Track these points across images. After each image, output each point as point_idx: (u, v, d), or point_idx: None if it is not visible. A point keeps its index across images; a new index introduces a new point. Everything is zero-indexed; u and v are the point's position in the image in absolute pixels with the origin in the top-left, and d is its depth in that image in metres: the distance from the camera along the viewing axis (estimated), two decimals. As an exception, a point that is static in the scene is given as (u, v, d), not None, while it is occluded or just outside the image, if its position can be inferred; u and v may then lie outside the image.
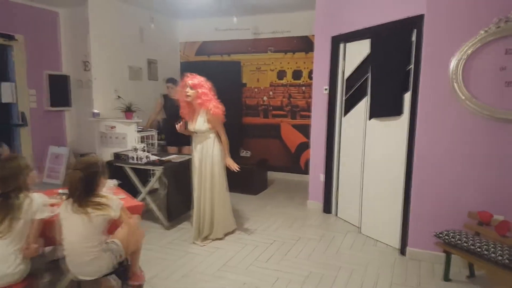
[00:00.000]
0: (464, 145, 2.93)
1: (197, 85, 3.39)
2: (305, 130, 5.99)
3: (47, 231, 2.21)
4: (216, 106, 3.43)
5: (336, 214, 4.35)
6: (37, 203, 2.11)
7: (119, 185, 3.05)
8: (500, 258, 2.36)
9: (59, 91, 5.86)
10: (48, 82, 5.71)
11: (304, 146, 6.05)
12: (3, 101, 5.30)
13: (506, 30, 2.71)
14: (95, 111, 5.19)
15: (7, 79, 5.39)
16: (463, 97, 2.88)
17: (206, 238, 3.53)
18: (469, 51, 2.84)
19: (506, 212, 2.72)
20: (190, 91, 3.39)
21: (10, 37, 5.17)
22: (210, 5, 5.36)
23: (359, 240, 3.62)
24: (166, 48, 6.48)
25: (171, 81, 5.11)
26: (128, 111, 4.86)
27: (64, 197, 2.82)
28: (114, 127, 4.94)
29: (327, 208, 4.43)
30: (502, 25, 2.72)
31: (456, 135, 2.96)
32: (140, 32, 5.87)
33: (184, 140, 5.14)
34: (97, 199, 2.10)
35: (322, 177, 4.44)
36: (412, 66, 3.18)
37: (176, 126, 3.55)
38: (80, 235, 2.05)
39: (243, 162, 5.75)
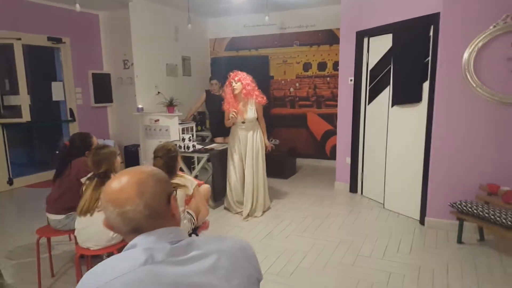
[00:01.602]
0: (475, 127, 3.34)
1: (241, 78, 3.92)
2: (330, 118, 6.42)
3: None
4: (259, 95, 3.95)
5: (362, 193, 4.81)
6: None
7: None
8: (504, 221, 2.79)
9: (102, 88, 6.41)
10: (92, 80, 6.31)
11: (329, 134, 6.48)
12: (54, 99, 5.93)
13: (513, 25, 3.08)
14: (139, 106, 5.77)
15: (56, 78, 6.03)
16: (475, 85, 3.27)
17: (249, 215, 4.09)
18: (480, 44, 3.22)
19: (511, 184, 3.14)
20: (235, 84, 3.91)
21: (58, 40, 5.75)
22: (240, 4, 5.81)
23: (383, 214, 4.08)
24: (197, 45, 6.99)
25: (215, 78, 5.63)
26: (170, 105, 5.42)
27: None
28: (158, 120, 5.50)
29: (353, 188, 4.89)
30: (509, 21, 3.09)
31: (468, 118, 3.36)
32: (175, 31, 6.39)
33: (228, 131, 5.70)
34: (177, 180, 2.62)
35: (348, 160, 4.90)
36: (429, 58, 3.58)
37: (231, 117, 3.99)
38: None
39: (273, 149, 6.27)
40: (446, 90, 3.45)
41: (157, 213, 0.92)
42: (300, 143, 6.71)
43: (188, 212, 2.76)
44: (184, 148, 4.40)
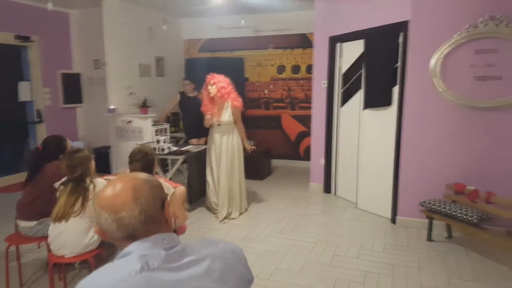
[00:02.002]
0: (442, 129, 3.53)
1: (216, 82, 3.91)
2: (303, 120, 6.54)
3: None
4: (235, 99, 3.97)
5: (335, 194, 4.94)
6: (102, 186, 2.59)
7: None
8: (470, 218, 2.97)
9: (72, 88, 6.23)
10: (62, 81, 6.10)
11: (303, 135, 6.60)
12: (21, 99, 5.68)
13: (475, 34, 3.29)
14: (111, 107, 5.61)
15: (24, 78, 5.77)
16: (441, 90, 3.45)
17: (226, 217, 4.09)
18: (446, 51, 3.41)
19: (476, 183, 3.33)
20: (211, 88, 3.91)
21: (26, 39, 5.50)
22: (216, 6, 5.80)
23: (356, 214, 4.21)
24: (172, 45, 6.89)
25: (188, 78, 5.58)
26: (144, 106, 5.31)
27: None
28: (131, 121, 5.38)
29: (327, 188, 5.01)
30: (472, 30, 3.29)
31: (436, 121, 3.54)
32: (149, 31, 6.27)
33: (202, 133, 5.66)
34: None
35: (322, 161, 5.02)
36: (399, 63, 3.74)
37: (205, 120, 4.04)
38: None
39: (251, 151, 6.31)
40: (414, 94, 3.61)
41: (152, 219, 0.93)
42: (275, 144, 6.78)
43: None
44: (158, 150, 4.34)
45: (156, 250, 0.89)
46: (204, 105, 4.06)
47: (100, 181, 2.61)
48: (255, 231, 3.77)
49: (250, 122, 6.83)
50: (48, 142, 2.86)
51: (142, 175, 0.99)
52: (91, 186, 2.48)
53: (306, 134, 6.40)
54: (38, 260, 3.18)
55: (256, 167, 5.78)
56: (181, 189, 2.87)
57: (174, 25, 6.91)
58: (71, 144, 2.99)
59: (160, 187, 0.99)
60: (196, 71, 6.50)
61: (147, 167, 2.57)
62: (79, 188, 2.42)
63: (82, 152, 2.58)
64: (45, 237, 2.52)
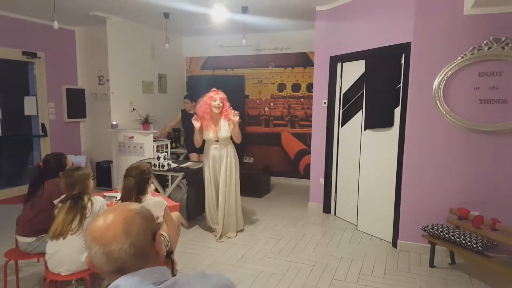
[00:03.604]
0: (446, 152, 3.47)
1: (223, 98, 3.93)
2: (303, 138, 6.51)
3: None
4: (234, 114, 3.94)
5: (335, 214, 4.85)
6: (99, 204, 2.55)
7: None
8: (475, 246, 2.88)
9: (76, 103, 6.31)
10: (66, 96, 6.15)
11: (303, 153, 6.56)
12: (26, 113, 5.72)
13: (479, 56, 3.27)
14: (114, 122, 5.62)
15: (30, 93, 5.82)
16: (444, 112, 3.42)
17: (222, 235, 4.00)
18: (449, 73, 3.39)
19: (481, 208, 3.26)
20: (219, 103, 3.89)
21: (33, 55, 5.59)
22: (217, 25, 5.87)
23: (357, 236, 4.11)
24: (174, 63, 6.96)
25: (188, 97, 5.60)
26: (145, 122, 5.31)
27: (114, 200, 3.29)
28: (132, 137, 5.38)
29: (326, 208, 4.92)
30: (476, 52, 3.28)
31: (438, 144, 3.49)
32: (152, 49, 6.35)
33: (202, 148, 5.62)
34: (145, 201, 2.53)
35: (322, 180, 4.95)
36: (401, 85, 3.73)
37: (200, 135, 3.96)
38: None
39: (247, 168, 6.27)
40: (416, 116, 3.58)
41: (143, 252, 0.90)
42: (275, 161, 6.74)
43: (161, 234, 2.66)
44: (159, 167, 4.29)
45: (145, 285, 0.85)
46: (200, 117, 3.94)
47: (98, 199, 2.59)
48: (252, 251, 3.67)
49: (250, 139, 6.82)
50: (49, 159, 2.89)
51: (135, 206, 0.97)
52: (89, 204, 2.46)
53: (306, 152, 6.36)
54: (36, 275, 3.16)
55: (255, 184, 5.71)
56: (176, 215, 2.81)
57: (177, 43, 6.99)
58: (71, 161, 2.98)
59: (151, 218, 0.96)
60: (197, 88, 6.51)
61: (141, 185, 2.53)
62: (77, 205, 2.41)
63: (81, 170, 2.58)
64: (43, 254, 2.52)
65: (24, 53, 5.46)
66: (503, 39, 3.20)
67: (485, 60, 3.28)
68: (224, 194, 3.95)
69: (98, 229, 0.89)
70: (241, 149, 6.81)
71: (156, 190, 3.93)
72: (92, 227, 0.91)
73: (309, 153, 5.31)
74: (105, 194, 3.40)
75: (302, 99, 6.51)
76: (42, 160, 2.94)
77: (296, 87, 6.54)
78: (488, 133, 3.29)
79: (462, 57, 3.34)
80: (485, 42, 3.25)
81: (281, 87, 6.63)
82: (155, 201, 2.58)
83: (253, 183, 5.69)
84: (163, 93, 6.67)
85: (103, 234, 0.88)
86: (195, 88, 6.58)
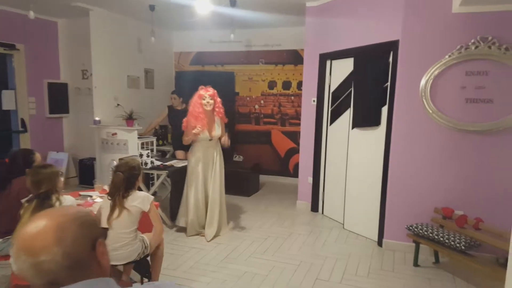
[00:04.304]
0: (431, 151, 3.45)
1: (213, 95, 3.83)
2: (293, 136, 6.46)
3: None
4: (223, 114, 3.92)
5: (323, 213, 4.82)
6: (69, 204, 2.45)
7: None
8: (458, 245, 2.87)
9: (58, 98, 6.11)
10: (48, 90, 5.98)
11: (293, 152, 6.51)
12: (4, 108, 5.52)
13: (466, 55, 3.25)
14: (96, 118, 5.49)
15: (8, 87, 5.63)
16: (431, 111, 3.39)
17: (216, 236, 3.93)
18: (436, 72, 3.36)
19: (464, 208, 3.25)
20: (209, 101, 3.79)
21: (11, 46, 5.39)
22: (205, 19, 5.77)
23: (343, 235, 4.09)
24: (162, 58, 6.83)
25: (176, 92, 5.50)
26: (130, 118, 5.20)
27: (89, 199, 3.20)
28: (116, 133, 5.26)
29: (314, 207, 4.89)
30: (463, 51, 3.26)
31: (424, 143, 3.47)
32: (138, 43, 6.21)
33: (190, 145, 5.53)
34: (132, 194, 2.48)
35: (310, 179, 4.91)
36: (388, 83, 3.69)
37: (195, 132, 3.77)
38: (117, 223, 2.42)
39: (237, 166, 6.20)
40: (403, 115, 3.55)
41: (79, 263, 0.80)
42: (264, 160, 6.68)
43: (142, 236, 2.60)
44: (142, 165, 4.19)
45: None
46: (194, 117, 3.80)
47: (68, 198, 2.49)
48: (237, 251, 3.62)
49: (240, 137, 6.75)
50: (15, 155, 2.74)
51: (72, 210, 0.86)
52: (57, 204, 2.35)
53: (296, 150, 6.31)
54: (6, 277, 2.98)
55: (243, 183, 5.65)
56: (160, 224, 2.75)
57: (165, 38, 6.87)
58: (40, 158, 2.86)
59: (91, 224, 0.86)
60: (186, 84, 6.41)
61: (130, 182, 2.49)
62: (44, 205, 2.29)
63: (50, 168, 2.47)
64: (9, 256, 2.37)
65: (1, 44, 5.27)
66: (490, 38, 3.18)
67: (472, 59, 3.26)
68: (220, 192, 3.90)
69: (26, 237, 0.79)
70: (230, 147, 6.75)
71: (139, 188, 3.83)
72: (20, 234, 0.81)
73: (299, 151, 5.27)
74: (80, 193, 3.32)
75: (292, 97, 6.46)
76: (8, 156, 2.80)
77: (286, 84, 6.48)
78: (474, 132, 3.28)
79: (450, 56, 3.31)
80: (472, 41, 3.23)
81: (272, 85, 6.56)
82: (143, 195, 2.56)
83: (242, 182, 5.63)
84: (149, 88, 6.55)
85: (32, 244, 0.78)
86: (183, 84, 6.47)
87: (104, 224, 2.46)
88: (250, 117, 6.76)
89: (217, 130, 3.88)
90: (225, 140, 3.92)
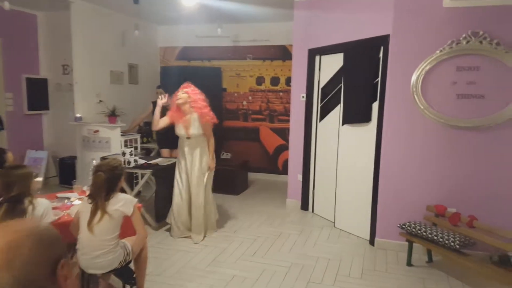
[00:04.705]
0: (423, 148, 3.39)
1: (189, 91, 3.66)
2: (282, 133, 6.36)
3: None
4: (207, 113, 3.68)
5: (313, 211, 4.73)
6: (43, 208, 2.27)
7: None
8: (452, 244, 2.81)
9: (37, 94, 5.86)
10: (26, 86, 5.72)
11: (282, 148, 6.41)
12: (-22, 103, 5.28)
13: (457, 50, 3.18)
14: (77, 115, 5.27)
15: (-17, 82, 5.37)
16: (422, 107, 3.32)
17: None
18: (427, 68, 3.29)
19: (457, 205, 3.20)
20: (181, 95, 3.64)
21: (-14, 40, 5.15)
22: (191, 13, 5.60)
23: (334, 234, 4.01)
24: (146, 52, 6.63)
25: (162, 87, 5.32)
26: (112, 115, 5.00)
27: (66, 202, 3.01)
28: (98, 131, 5.05)
29: (304, 205, 4.80)
30: (454, 46, 3.18)
31: (416, 140, 3.40)
32: (122, 37, 5.99)
33: (176, 144, 5.35)
34: (114, 197, 2.32)
35: (300, 177, 4.81)
36: (379, 79, 3.60)
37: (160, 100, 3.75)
38: (99, 229, 2.25)
39: (225, 163, 6.05)
40: (394, 111, 3.47)
41: None
42: (253, 157, 6.55)
43: (124, 242, 2.45)
44: (124, 163, 4.02)
45: None
46: (171, 112, 3.74)
47: (41, 202, 2.31)
48: (225, 253, 3.49)
49: (228, 134, 6.61)
50: None
51: (28, 225, 0.72)
52: (30, 208, 2.18)
53: (285, 147, 6.21)
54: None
55: (232, 181, 5.52)
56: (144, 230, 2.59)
57: (150, 32, 6.66)
58: (13, 158, 2.66)
59: (53, 241, 0.73)
60: (172, 79, 6.21)
61: (112, 182, 2.33)
62: (15, 209, 2.12)
63: (22, 169, 2.29)
64: None
65: (-25, 37, 5.00)
66: (481, 33, 3.11)
67: (463, 54, 3.19)
68: (201, 193, 3.74)
69: None
70: (218, 145, 6.62)
71: (123, 190, 3.66)
72: None
73: (288, 148, 5.16)
74: (58, 195, 3.13)
75: (281, 93, 6.35)
76: None
77: (275, 80, 6.36)
78: (465, 128, 3.22)
79: (441, 51, 3.24)
80: (464, 36, 3.16)
81: (260, 81, 6.43)
82: (126, 197, 2.41)
83: (230, 180, 5.50)
84: (134, 84, 6.34)
85: None
86: (169, 80, 6.28)
87: (84, 230, 2.30)
88: (238, 114, 6.62)
89: (193, 129, 3.68)
90: (210, 162, 3.79)
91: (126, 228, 2.47)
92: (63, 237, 2.35)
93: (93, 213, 2.28)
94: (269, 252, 3.53)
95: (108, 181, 2.29)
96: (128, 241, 2.47)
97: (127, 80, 6.22)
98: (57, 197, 3.17)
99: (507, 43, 3.05)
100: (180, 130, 3.74)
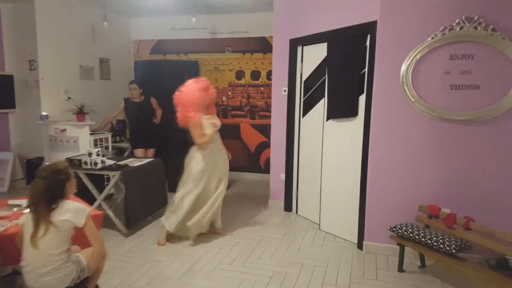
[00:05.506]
0: (414, 144, 3.14)
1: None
2: (264, 130, 6.06)
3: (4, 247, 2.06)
4: None
5: (297, 212, 4.46)
6: None
7: (75, 193, 2.92)
8: (448, 248, 2.57)
9: (3, 92, 5.48)
10: (-11, 83, 5.30)
11: (264, 146, 6.12)
12: None
13: (450, 37, 2.94)
14: (44, 113, 4.88)
15: None
16: (413, 99, 3.07)
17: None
18: (418, 56, 3.04)
19: (453, 205, 2.96)
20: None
21: None
22: (166, 4, 5.24)
23: (319, 237, 3.74)
24: (119, 46, 6.24)
25: (136, 82, 4.97)
26: (80, 113, 4.62)
27: (15, 210, 2.65)
28: (65, 130, 4.67)
29: (288, 206, 4.52)
30: (447, 32, 2.94)
31: (407, 135, 3.15)
32: (92, 30, 5.59)
33: (150, 143, 5.00)
34: (61, 205, 1.99)
35: (282, 176, 4.53)
36: (366, 70, 3.34)
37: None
38: (44, 243, 1.93)
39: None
40: (383, 104, 3.21)
41: None
42: (233, 155, 6.15)
43: (78, 256, 2.10)
44: (90, 164, 3.66)
45: None
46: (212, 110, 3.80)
47: None
48: (201, 261, 3.17)
49: (207, 132, 6.27)
50: None
51: None
52: None
53: (267, 144, 5.93)
54: None
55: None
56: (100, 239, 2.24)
57: (122, 25, 6.26)
58: None
59: None
60: (146, 74, 5.85)
61: (54, 189, 1.99)
62: None
63: None
64: None
65: None
66: (475, 18, 2.88)
67: (457, 42, 2.95)
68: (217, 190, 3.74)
69: None
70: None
71: (78, 193, 3.27)
72: None
73: (270, 145, 4.87)
74: (9, 201, 2.76)
75: (262, 88, 6.05)
76: None
77: (255, 74, 6.06)
78: (460, 122, 2.99)
79: (433, 38, 2.99)
80: (457, 21, 2.92)
81: (240, 75, 6.12)
82: (76, 206, 2.05)
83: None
84: (105, 79, 5.94)
85: None
86: (143, 74, 5.90)
87: (27, 244, 1.96)
88: (217, 110, 6.27)
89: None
90: None
91: (83, 238, 2.13)
92: (9, 254, 1.98)
93: (36, 226, 1.94)
94: (249, 259, 3.23)
95: (49, 188, 1.96)
96: (84, 255, 2.13)
97: (98, 76, 5.82)
98: (8, 205, 2.80)
99: (503, 29, 2.82)
100: (218, 122, 3.67)
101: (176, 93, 3.57)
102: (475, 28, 2.87)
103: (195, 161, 3.55)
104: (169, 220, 3.52)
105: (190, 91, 3.52)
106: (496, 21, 2.83)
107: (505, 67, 2.85)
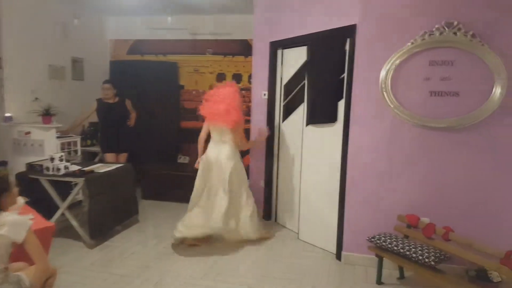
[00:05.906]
0: (393, 151, 3.04)
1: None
2: (246, 134, 5.88)
3: None
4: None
5: (276, 220, 4.31)
6: None
7: (34, 202, 2.69)
8: (427, 260, 2.46)
9: (-35, 91, 5.12)
10: None
11: (245, 152, 5.93)
12: None
13: (430, 42, 2.87)
14: (7, 114, 4.58)
15: None
16: (392, 106, 2.98)
17: None
18: (397, 62, 2.95)
19: (433, 215, 2.86)
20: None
21: None
22: (141, 2, 5.03)
23: (297, 247, 3.59)
24: (94, 45, 5.97)
25: (110, 82, 4.73)
26: (46, 114, 4.35)
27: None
28: (29, 132, 4.40)
29: (267, 215, 4.36)
30: (427, 38, 2.87)
31: (386, 142, 3.05)
32: (63, 28, 5.32)
33: (123, 147, 4.75)
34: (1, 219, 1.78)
35: (262, 183, 4.38)
36: (345, 74, 3.23)
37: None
38: None
39: (182, 169, 5.51)
40: (362, 110, 3.11)
41: None
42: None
43: (19, 275, 1.87)
44: (53, 170, 3.41)
45: None
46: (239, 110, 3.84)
47: None
48: (169, 275, 2.97)
49: (186, 136, 6.05)
50: None
51: None
52: None
53: (247, 150, 5.75)
54: None
55: (189, 187, 4.95)
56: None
57: (97, 23, 6.01)
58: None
59: None
60: (122, 75, 5.63)
61: None
62: None
63: None
64: None
65: None
66: (455, 23, 2.81)
67: (437, 47, 2.88)
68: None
69: None
70: (175, 147, 6.08)
71: (41, 202, 3.03)
72: None
73: (249, 152, 4.72)
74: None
75: (243, 91, 5.87)
76: None
77: (237, 77, 5.90)
78: (440, 129, 2.91)
79: (412, 43, 2.91)
80: (437, 26, 2.85)
81: (221, 78, 5.95)
82: (14, 220, 1.84)
83: (187, 187, 4.89)
84: (78, 80, 5.67)
85: None
86: (119, 75, 5.67)
87: None
88: (197, 114, 6.09)
89: None
90: None
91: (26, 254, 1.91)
92: None
93: None
94: (223, 271, 3.05)
95: None
96: (27, 273, 1.90)
97: (70, 76, 5.54)
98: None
99: (483, 35, 2.76)
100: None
101: (225, 97, 3.74)
102: (455, 33, 2.81)
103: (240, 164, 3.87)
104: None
105: (236, 95, 3.78)
106: (475, 26, 2.77)
107: (484, 75, 2.79)
